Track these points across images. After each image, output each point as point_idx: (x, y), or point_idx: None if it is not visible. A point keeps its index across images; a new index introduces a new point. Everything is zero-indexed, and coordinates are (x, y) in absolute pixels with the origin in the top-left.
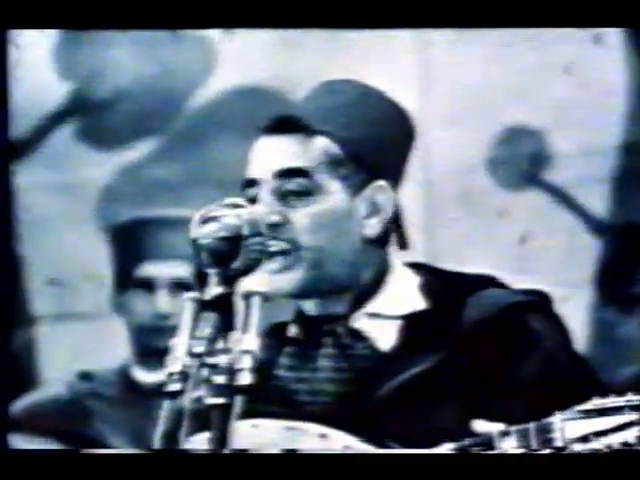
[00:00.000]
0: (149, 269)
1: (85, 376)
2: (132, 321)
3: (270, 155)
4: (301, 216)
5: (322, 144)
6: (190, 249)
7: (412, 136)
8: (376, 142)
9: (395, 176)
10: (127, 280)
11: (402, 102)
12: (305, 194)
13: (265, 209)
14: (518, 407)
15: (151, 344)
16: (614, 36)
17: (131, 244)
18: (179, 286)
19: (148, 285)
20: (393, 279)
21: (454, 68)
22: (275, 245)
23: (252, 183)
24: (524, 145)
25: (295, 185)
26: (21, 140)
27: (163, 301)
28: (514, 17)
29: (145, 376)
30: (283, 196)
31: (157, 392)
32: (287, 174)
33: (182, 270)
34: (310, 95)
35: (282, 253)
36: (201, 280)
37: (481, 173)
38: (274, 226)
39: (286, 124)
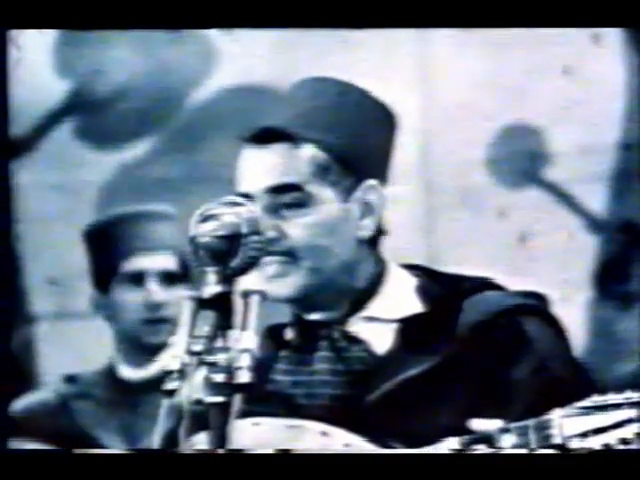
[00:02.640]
0: (137, 262)
1: (71, 379)
2: (121, 318)
3: (259, 169)
4: (296, 228)
5: (309, 153)
6: (175, 240)
7: (395, 129)
8: (362, 142)
9: (383, 173)
10: (113, 277)
11: (382, 95)
12: (298, 206)
13: (260, 223)
14: (514, 410)
15: (143, 338)
16: (613, 36)
17: (114, 242)
18: (168, 277)
19: (137, 278)
20: (389, 281)
21: (454, 68)
22: (273, 260)
23: (244, 197)
24: (523, 144)
25: (289, 198)
26: (21, 139)
27: (154, 291)
28: (514, 17)
29: (131, 373)
30: (276, 209)
31: (145, 389)
32: (278, 190)
33: (170, 261)
34: (289, 97)
35: (279, 263)
36: (190, 272)
37: (480, 172)
38: (270, 241)
39: (271, 134)
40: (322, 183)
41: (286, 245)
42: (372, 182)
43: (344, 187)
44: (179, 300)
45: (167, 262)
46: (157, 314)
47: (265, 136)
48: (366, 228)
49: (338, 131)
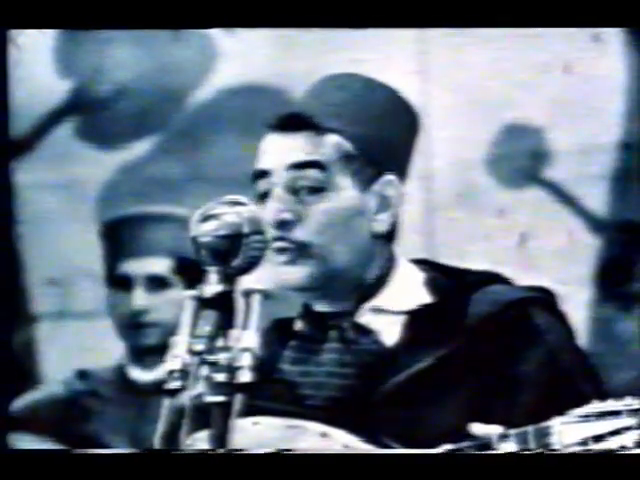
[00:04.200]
0: (126, 266)
1: (82, 375)
2: (117, 320)
3: (282, 149)
4: (314, 213)
5: (333, 141)
6: (169, 244)
7: (417, 128)
8: (384, 136)
9: (402, 169)
10: (111, 279)
11: (406, 94)
12: (318, 190)
13: (277, 205)
14: (521, 402)
15: (135, 342)
16: (613, 35)
17: (114, 243)
18: (155, 282)
19: (126, 282)
20: (398, 274)
21: (454, 67)
22: (285, 243)
23: (264, 174)
24: (524, 143)
25: (309, 181)
26: (21, 139)
27: (138, 297)
28: (514, 17)
29: (140, 375)
30: (295, 192)
31: (153, 391)
32: (302, 166)
33: (158, 266)
34: (315, 90)
35: (291, 250)
36: (182, 275)
37: (481, 171)
38: (286, 223)
39: (296, 122)
40: (344, 170)
41: (301, 229)
42: (391, 177)
43: (364, 178)
44: (165, 305)
45: (158, 266)
46: (142, 319)
47: (290, 123)
48: (381, 223)
49: (363, 124)
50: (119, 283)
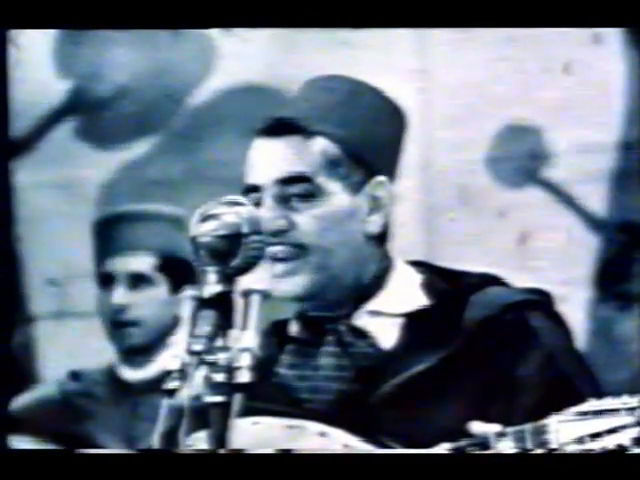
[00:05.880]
0: (111, 264)
1: (75, 376)
2: (102, 318)
3: (270, 160)
4: (306, 219)
5: (320, 145)
6: (153, 243)
7: (405, 128)
8: (372, 138)
9: (392, 170)
10: (97, 277)
11: (393, 95)
12: (308, 197)
13: (269, 214)
14: (519, 405)
15: (117, 340)
16: (613, 35)
17: (101, 241)
18: (137, 279)
19: (110, 280)
20: (395, 277)
21: (454, 67)
22: (281, 252)
23: (254, 189)
24: (523, 144)
25: (298, 190)
26: (21, 139)
27: (118, 294)
28: (514, 17)
29: (129, 374)
30: (286, 200)
31: (142, 389)
32: (288, 181)
33: (140, 264)
34: (302, 93)
35: (288, 258)
36: (166, 273)
37: (481, 172)
38: (279, 232)
39: (283, 126)
40: (332, 176)
41: (295, 236)
42: (381, 178)
43: (353, 182)
44: (147, 302)
45: (140, 264)
46: (121, 317)
47: (277, 127)
48: (374, 224)
49: (350, 126)
50: (104, 281)
